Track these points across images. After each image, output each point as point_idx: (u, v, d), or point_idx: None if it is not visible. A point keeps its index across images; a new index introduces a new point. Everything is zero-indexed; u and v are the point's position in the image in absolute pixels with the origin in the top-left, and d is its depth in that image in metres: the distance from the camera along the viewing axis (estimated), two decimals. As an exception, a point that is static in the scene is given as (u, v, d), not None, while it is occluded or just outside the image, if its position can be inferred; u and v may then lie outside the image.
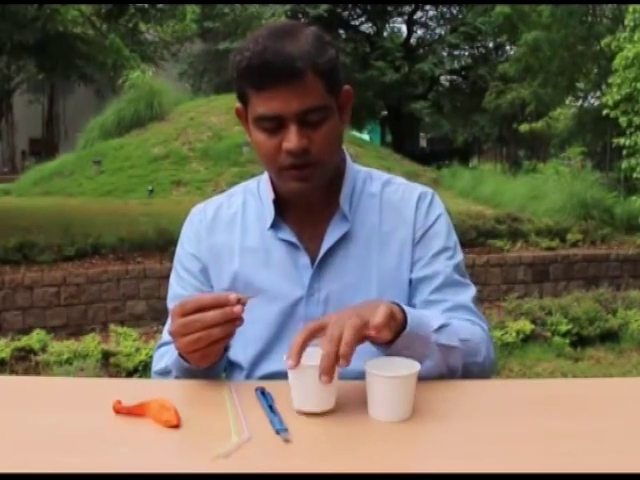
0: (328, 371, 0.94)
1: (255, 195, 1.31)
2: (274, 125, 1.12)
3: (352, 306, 1.05)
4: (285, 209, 1.26)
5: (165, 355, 1.24)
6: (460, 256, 1.29)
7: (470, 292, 1.26)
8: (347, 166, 1.29)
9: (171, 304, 1.29)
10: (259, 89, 1.11)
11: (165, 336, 1.26)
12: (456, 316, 1.20)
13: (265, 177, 1.29)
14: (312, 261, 1.23)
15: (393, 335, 1.05)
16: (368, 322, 0.98)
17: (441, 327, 1.12)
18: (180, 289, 1.30)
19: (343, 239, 1.23)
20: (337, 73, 1.16)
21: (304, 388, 0.96)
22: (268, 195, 1.26)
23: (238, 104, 1.20)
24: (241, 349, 1.25)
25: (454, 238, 1.29)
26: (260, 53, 1.09)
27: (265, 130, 1.14)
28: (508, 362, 4.62)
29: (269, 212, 1.25)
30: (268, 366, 1.23)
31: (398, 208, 1.27)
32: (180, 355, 1.11)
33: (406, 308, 1.08)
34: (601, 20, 12.92)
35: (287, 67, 1.08)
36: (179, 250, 1.33)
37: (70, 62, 11.20)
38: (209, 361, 1.09)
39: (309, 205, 1.25)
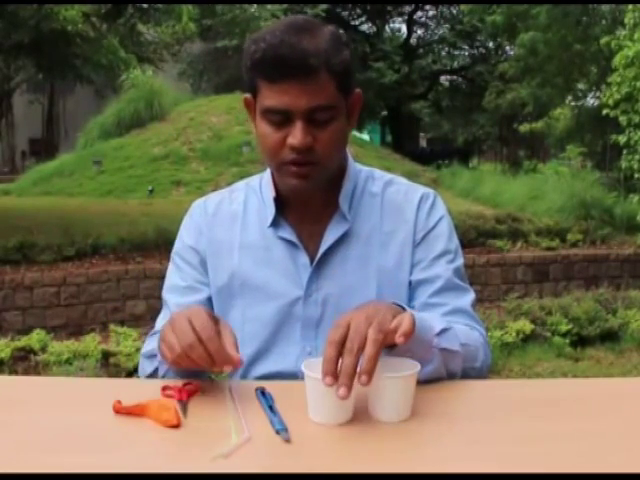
0: (348, 384, 0.90)
1: (257, 192, 1.30)
2: (281, 119, 1.12)
3: (364, 309, 0.99)
4: (286, 207, 1.25)
5: (152, 342, 1.22)
6: (461, 260, 1.28)
7: (469, 297, 1.26)
8: (349, 165, 1.28)
9: (167, 294, 1.29)
10: (270, 81, 1.10)
11: (158, 326, 1.25)
12: (455, 320, 1.19)
13: (267, 175, 1.28)
14: (311, 261, 1.22)
15: None
16: (388, 333, 0.94)
17: (443, 331, 1.11)
18: (178, 280, 1.29)
19: (343, 239, 1.22)
20: (350, 75, 1.15)
21: (322, 400, 0.93)
22: (269, 193, 1.25)
23: (247, 95, 1.19)
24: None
25: (455, 241, 1.29)
26: (276, 46, 1.08)
27: (271, 123, 1.13)
28: (508, 362, 4.61)
29: (270, 210, 1.25)
30: (265, 366, 1.23)
31: (400, 208, 1.26)
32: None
33: (409, 310, 1.07)
34: (599, 21, 12.89)
35: (301, 62, 1.07)
36: (178, 244, 1.33)
37: (66, 62, 11.14)
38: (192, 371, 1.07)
39: (309, 204, 1.24)
